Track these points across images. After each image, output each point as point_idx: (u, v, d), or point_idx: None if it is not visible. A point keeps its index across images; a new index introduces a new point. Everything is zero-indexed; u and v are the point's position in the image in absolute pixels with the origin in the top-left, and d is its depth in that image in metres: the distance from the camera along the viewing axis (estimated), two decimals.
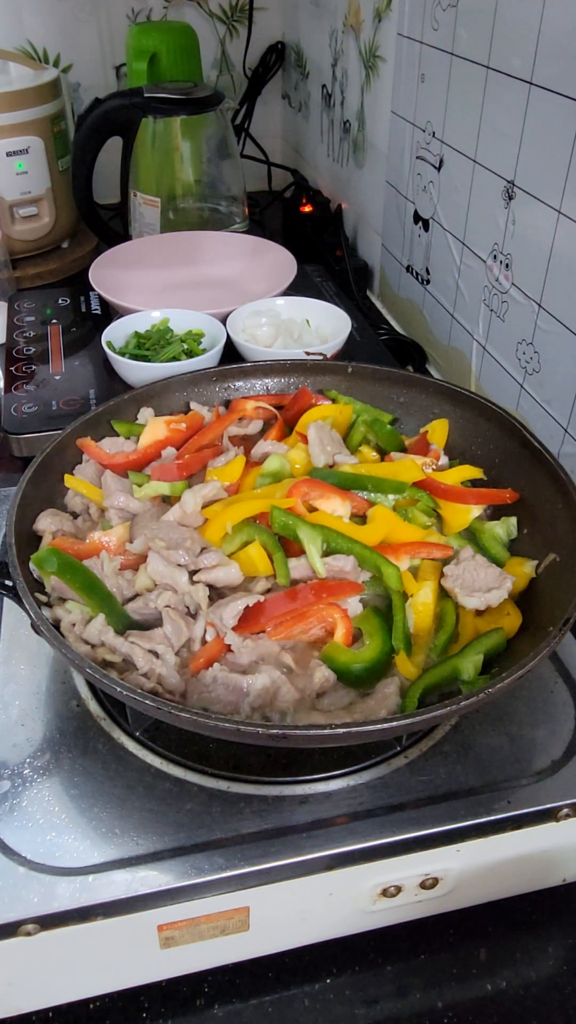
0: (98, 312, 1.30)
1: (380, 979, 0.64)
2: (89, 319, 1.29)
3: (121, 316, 1.15)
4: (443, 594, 0.72)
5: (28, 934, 0.56)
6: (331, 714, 0.63)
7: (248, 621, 0.66)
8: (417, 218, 1.30)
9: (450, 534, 0.78)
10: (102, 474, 0.81)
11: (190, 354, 1.08)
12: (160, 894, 0.57)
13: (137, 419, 0.89)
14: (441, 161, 1.17)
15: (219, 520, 0.73)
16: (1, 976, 0.58)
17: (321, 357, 1.03)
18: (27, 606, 0.62)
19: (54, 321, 1.27)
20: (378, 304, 1.54)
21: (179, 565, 0.69)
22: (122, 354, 1.08)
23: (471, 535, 0.78)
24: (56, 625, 0.66)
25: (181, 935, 0.59)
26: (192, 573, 0.69)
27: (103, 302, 1.29)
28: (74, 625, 0.66)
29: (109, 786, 0.63)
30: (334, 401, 0.92)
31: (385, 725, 0.55)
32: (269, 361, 0.97)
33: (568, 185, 0.86)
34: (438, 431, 0.88)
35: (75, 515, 0.79)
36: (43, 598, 0.69)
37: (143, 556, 0.71)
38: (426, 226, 1.26)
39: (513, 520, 0.78)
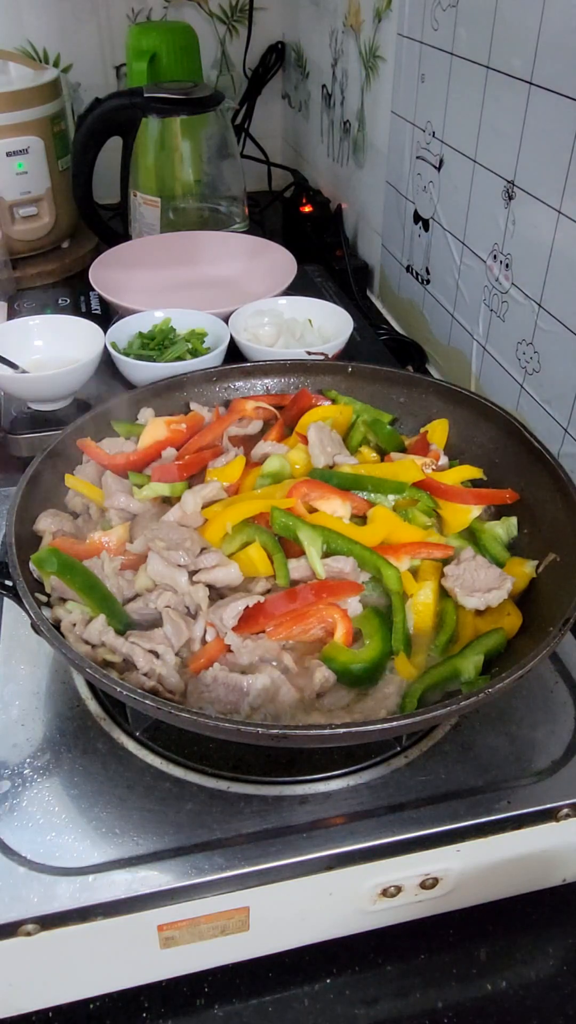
0: (98, 312, 1.30)
1: (380, 979, 0.64)
2: (89, 319, 1.28)
3: (121, 316, 1.15)
4: (443, 594, 0.72)
5: (28, 934, 0.56)
6: (331, 714, 0.63)
7: (248, 621, 0.66)
8: (417, 218, 1.30)
9: (450, 534, 0.78)
10: (102, 474, 0.81)
11: (195, 354, 1.08)
12: (160, 894, 0.57)
13: (137, 419, 0.89)
14: (441, 161, 1.17)
15: (219, 520, 0.73)
16: (1, 976, 0.58)
17: (322, 357, 1.03)
18: (27, 606, 0.62)
19: None
20: (378, 304, 1.54)
21: (179, 565, 0.69)
22: (126, 354, 1.08)
23: (471, 535, 0.78)
24: (56, 625, 0.66)
25: (181, 935, 0.59)
26: (192, 573, 0.69)
27: (103, 302, 1.29)
28: (74, 625, 0.66)
29: (109, 786, 0.63)
30: (334, 401, 0.92)
31: (385, 725, 0.55)
32: (269, 361, 0.97)
33: (568, 185, 0.86)
34: (438, 431, 0.88)
35: (75, 515, 0.79)
36: (43, 598, 0.69)
37: (143, 556, 0.71)
38: (426, 226, 1.26)
39: (513, 520, 0.78)
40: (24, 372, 1.05)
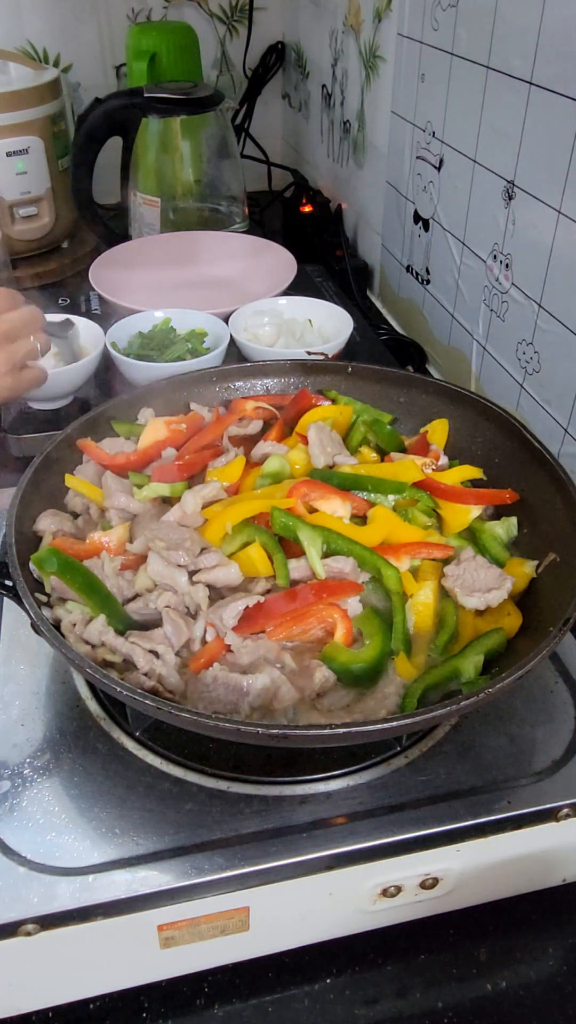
0: (98, 312, 1.30)
1: (380, 979, 0.64)
2: (89, 319, 1.29)
3: (121, 316, 1.15)
4: (443, 594, 0.72)
5: (28, 934, 0.56)
6: (331, 714, 0.63)
7: (248, 621, 0.66)
8: (417, 218, 1.30)
9: (450, 534, 0.78)
10: (102, 474, 0.81)
11: (195, 354, 1.08)
12: (160, 894, 0.57)
13: (137, 419, 0.89)
14: (441, 161, 1.17)
15: (219, 521, 0.73)
16: (1, 976, 0.58)
17: (323, 357, 1.03)
18: (27, 606, 0.62)
19: None
20: (378, 304, 1.54)
21: (179, 566, 0.69)
22: (126, 354, 1.08)
23: (471, 535, 0.78)
24: (56, 625, 0.66)
25: (181, 935, 0.59)
26: (192, 573, 0.69)
27: (103, 302, 1.29)
28: (74, 625, 0.66)
29: (109, 786, 0.63)
30: (334, 401, 0.92)
31: (385, 725, 0.55)
32: (269, 361, 0.97)
33: (568, 185, 0.86)
34: (438, 431, 0.88)
35: (75, 515, 0.79)
36: (43, 598, 0.69)
37: (143, 556, 0.71)
38: (426, 226, 1.26)
39: (513, 520, 0.78)
40: None
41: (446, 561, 0.74)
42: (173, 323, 1.13)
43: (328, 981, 0.63)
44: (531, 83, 0.90)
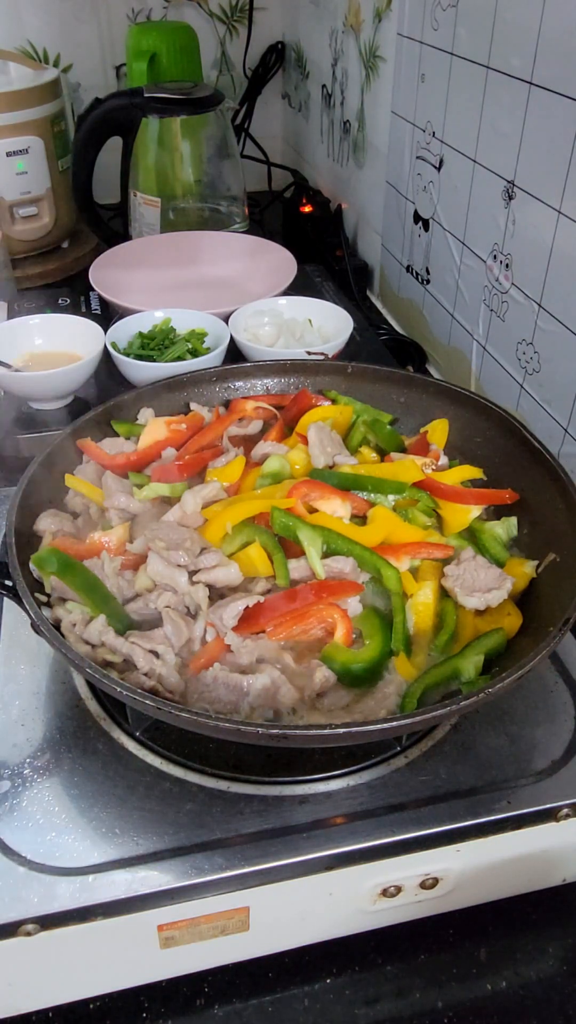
0: (98, 312, 1.30)
1: (380, 979, 0.64)
2: (89, 319, 1.29)
3: (121, 316, 1.15)
4: (443, 594, 0.72)
5: (28, 934, 0.56)
6: (331, 714, 0.63)
7: (248, 621, 0.66)
8: (417, 218, 1.30)
9: (450, 534, 0.78)
10: (102, 474, 0.81)
11: (195, 354, 1.08)
12: (160, 894, 0.57)
13: (137, 419, 0.89)
14: (441, 161, 1.17)
15: (219, 521, 0.74)
16: (1, 976, 0.58)
17: (322, 357, 1.03)
18: (27, 606, 0.62)
19: None
20: (378, 304, 1.54)
21: (179, 566, 0.69)
22: (126, 354, 1.08)
23: (471, 535, 0.78)
24: (56, 625, 0.66)
25: (181, 935, 0.59)
26: (192, 573, 0.69)
27: (103, 302, 1.29)
28: (74, 625, 0.66)
29: (109, 786, 0.63)
30: (334, 401, 0.92)
31: (385, 725, 0.55)
32: (269, 361, 0.97)
33: (568, 185, 0.86)
34: (438, 431, 0.88)
35: (75, 515, 0.79)
36: (43, 598, 0.69)
37: (143, 556, 0.71)
38: (426, 226, 1.26)
39: (513, 520, 0.78)
40: (17, 371, 1.05)
41: (446, 561, 0.74)
42: (173, 323, 1.13)
43: (328, 981, 0.63)
44: (531, 83, 0.90)
